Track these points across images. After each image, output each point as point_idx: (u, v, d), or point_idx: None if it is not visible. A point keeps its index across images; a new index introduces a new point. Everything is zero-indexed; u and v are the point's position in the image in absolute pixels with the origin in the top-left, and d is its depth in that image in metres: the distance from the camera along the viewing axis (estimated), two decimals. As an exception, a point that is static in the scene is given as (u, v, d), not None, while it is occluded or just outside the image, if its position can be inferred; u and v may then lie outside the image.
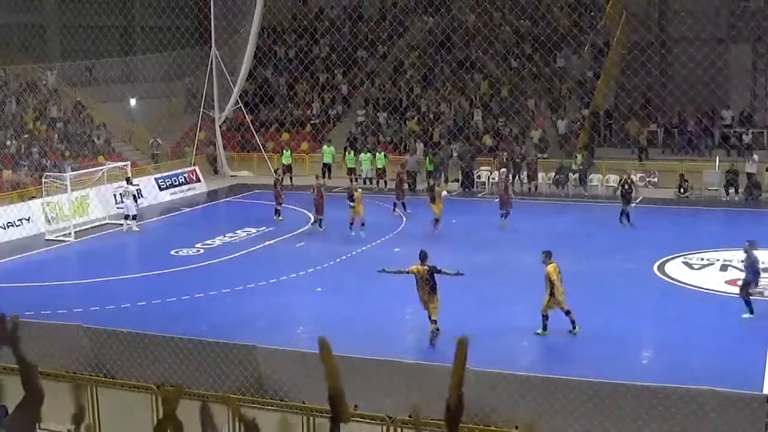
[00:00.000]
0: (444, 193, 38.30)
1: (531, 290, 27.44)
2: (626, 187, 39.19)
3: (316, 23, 68.10)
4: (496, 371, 16.94)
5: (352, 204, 37.49)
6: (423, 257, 23.92)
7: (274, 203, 41.36)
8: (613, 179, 46.89)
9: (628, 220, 38.31)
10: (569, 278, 26.86)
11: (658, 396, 15.65)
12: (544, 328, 24.31)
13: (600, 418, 15.66)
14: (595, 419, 15.67)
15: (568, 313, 24.21)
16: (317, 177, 41.59)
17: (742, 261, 26.70)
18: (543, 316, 24.25)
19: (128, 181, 41.42)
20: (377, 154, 51.09)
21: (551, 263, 24.32)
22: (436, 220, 37.66)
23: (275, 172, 44.19)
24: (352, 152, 52.17)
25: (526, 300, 27.32)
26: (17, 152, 49.76)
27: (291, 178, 50.84)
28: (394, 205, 42.41)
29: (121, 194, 41.55)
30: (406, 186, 44.46)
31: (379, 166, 50.06)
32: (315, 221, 39.54)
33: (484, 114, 56.09)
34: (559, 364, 21.32)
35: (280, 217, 41.27)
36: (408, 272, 23.68)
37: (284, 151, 53.50)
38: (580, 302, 26.79)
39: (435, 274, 23.55)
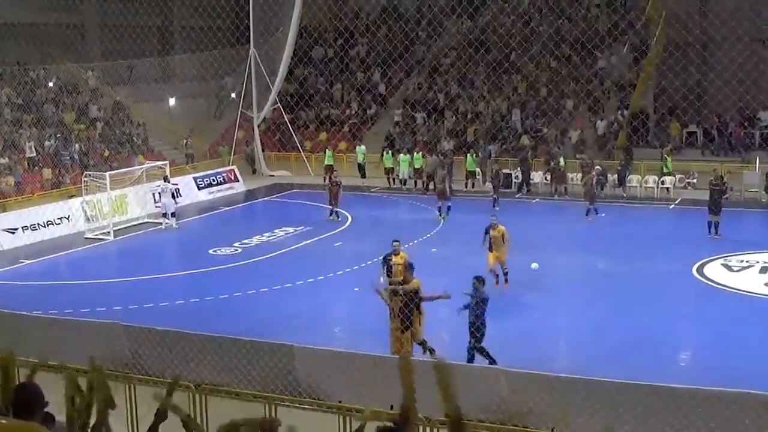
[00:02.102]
0: (534, 266, 28.89)
1: (566, 291, 27.50)
2: (717, 187, 36.45)
3: (356, 21, 68.13)
4: (532, 372, 16.89)
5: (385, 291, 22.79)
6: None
7: (329, 204, 41.30)
8: (651, 180, 46.68)
9: (716, 231, 35.59)
10: (608, 279, 26.80)
11: (695, 398, 15.55)
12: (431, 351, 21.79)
13: (636, 419, 15.57)
14: (631, 421, 15.58)
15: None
16: (441, 168, 44.04)
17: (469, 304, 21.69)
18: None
19: (166, 179, 41.67)
20: (415, 154, 50.94)
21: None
22: (495, 273, 28.75)
23: (333, 172, 43.95)
24: (390, 152, 52.03)
25: (562, 300, 27.35)
26: (56, 151, 50.18)
27: (330, 178, 50.94)
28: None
29: (159, 192, 41.79)
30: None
31: (417, 166, 49.88)
32: (441, 210, 40.62)
33: (522, 115, 55.94)
34: (597, 365, 21.22)
35: (334, 217, 41.06)
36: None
37: (326, 151, 53.52)
38: (619, 303, 26.76)
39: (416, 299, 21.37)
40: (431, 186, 48.12)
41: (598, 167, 43.36)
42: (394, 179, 50.73)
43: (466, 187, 48.49)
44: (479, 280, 21.88)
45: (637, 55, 56.88)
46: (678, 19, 55.72)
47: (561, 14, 60.86)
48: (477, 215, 41.06)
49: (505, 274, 28.55)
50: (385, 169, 50.93)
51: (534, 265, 28.46)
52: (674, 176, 46.16)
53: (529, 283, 29.02)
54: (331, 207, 41.19)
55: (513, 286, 28.49)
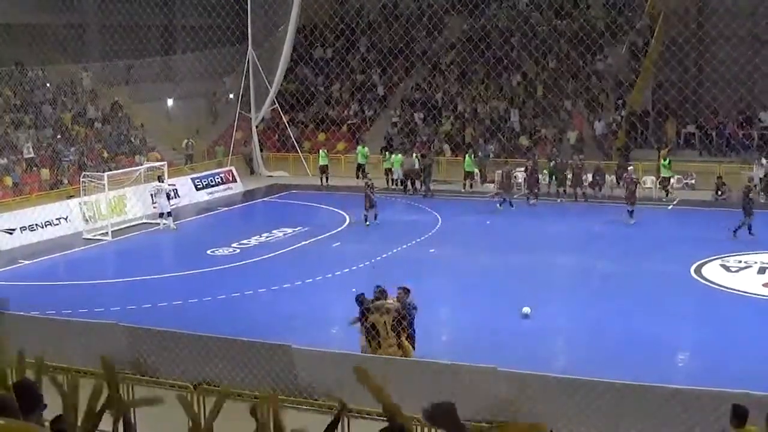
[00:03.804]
0: (526, 310, 25.51)
1: (565, 291, 27.52)
2: (748, 194, 36.47)
3: (358, 19, 68.07)
4: (528, 372, 16.91)
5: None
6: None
7: (364, 210, 39.73)
8: (650, 181, 46.68)
9: (750, 231, 35.35)
10: (606, 280, 26.79)
11: (694, 399, 15.58)
12: None
13: (632, 420, 15.59)
14: (627, 421, 15.60)
15: None
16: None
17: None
18: None
19: (160, 179, 41.65)
20: (414, 155, 50.81)
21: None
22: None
23: (366, 175, 43.49)
24: (389, 153, 51.92)
25: (560, 301, 27.35)
26: (54, 152, 50.06)
27: (327, 178, 51.01)
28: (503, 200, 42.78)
29: (153, 193, 41.78)
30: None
31: (415, 166, 49.81)
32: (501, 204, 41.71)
33: (521, 114, 55.82)
34: (595, 366, 21.23)
35: (368, 223, 39.72)
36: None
37: (320, 151, 53.50)
38: (617, 304, 26.74)
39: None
40: (418, 185, 49.02)
41: (631, 167, 43.18)
42: (392, 180, 50.68)
43: (465, 187, 48.53)
44: (405, 290, 20.81)
45: (637, 54, 56.84)
46: (677, 18, 55.84)
47: (560, 13, 60.87)
48: (476, 215, 41.24)
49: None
50: (385, 170, 50.83)
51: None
52: (672, 178, 46.02)
53: (528, 284, 29.07)
54: (366, 212, 39.65)
55: (511, 286, 28.48)
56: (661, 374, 19.43)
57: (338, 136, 59.45)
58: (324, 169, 51.54)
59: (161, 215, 40.64)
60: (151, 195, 42.49)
